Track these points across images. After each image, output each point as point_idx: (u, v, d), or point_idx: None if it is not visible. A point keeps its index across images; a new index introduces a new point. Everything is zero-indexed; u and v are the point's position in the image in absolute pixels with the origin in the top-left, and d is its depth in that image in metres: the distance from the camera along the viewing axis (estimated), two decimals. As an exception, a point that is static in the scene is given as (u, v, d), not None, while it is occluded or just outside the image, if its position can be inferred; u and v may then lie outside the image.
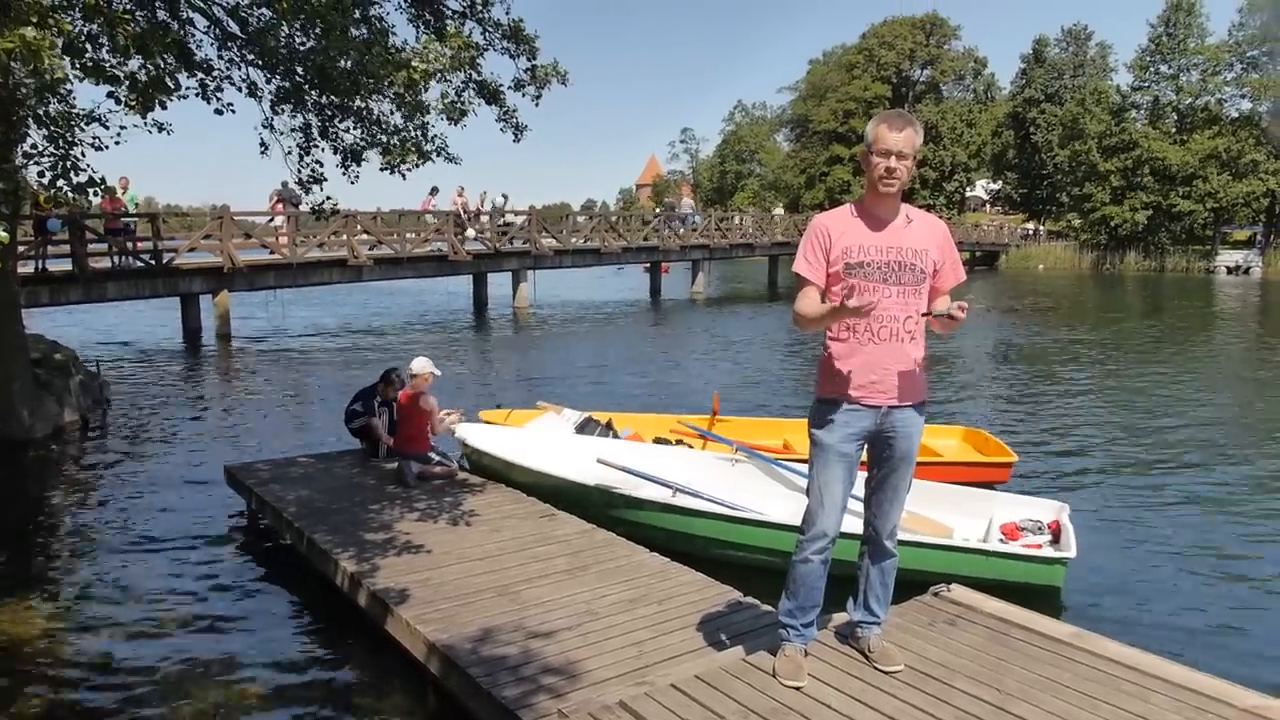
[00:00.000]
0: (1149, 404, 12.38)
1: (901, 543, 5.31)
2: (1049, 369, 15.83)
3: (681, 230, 31.32)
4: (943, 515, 6.49)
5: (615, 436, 8.45)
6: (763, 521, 5.99)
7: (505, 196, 25.47)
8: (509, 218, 25.65)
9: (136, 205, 19.10)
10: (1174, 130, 50.72)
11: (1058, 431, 10.67)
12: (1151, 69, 51.69)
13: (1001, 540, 6.01)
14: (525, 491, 6.80)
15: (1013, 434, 9.68)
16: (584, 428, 8.49)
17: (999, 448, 8.27)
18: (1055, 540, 5.95)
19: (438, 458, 7.33)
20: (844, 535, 3.57)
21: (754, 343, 19.10)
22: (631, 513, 6.34)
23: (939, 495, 6.64)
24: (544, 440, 8.06)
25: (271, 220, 20.73)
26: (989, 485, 7.66)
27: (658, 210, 37.34)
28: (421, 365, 7.29)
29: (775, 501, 6.75)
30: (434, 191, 24.55)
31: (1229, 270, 47.01)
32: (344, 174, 6.51)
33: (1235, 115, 49.95)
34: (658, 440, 8.56)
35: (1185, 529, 7.14)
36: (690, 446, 8.39)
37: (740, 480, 7.23)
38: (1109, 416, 11.55)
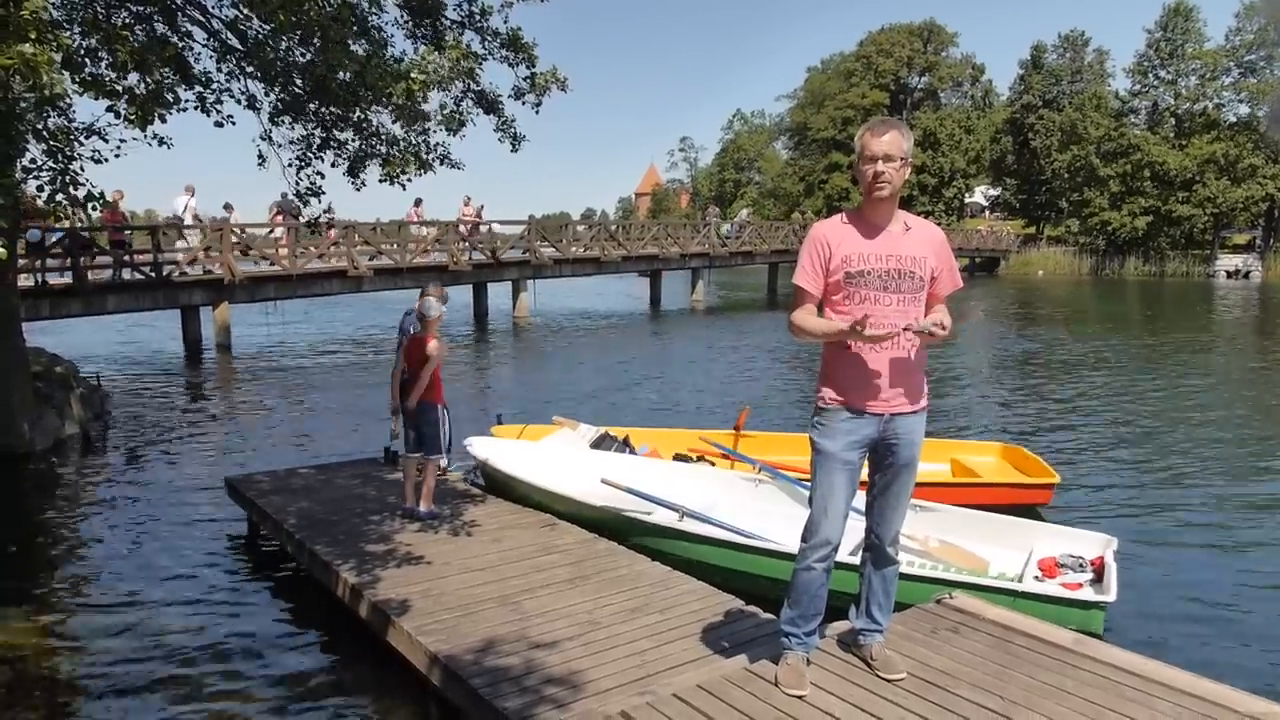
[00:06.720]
0: (1173, 411, 12.33)
1: (928, 579, 5.26)
2: (1059, 377, 15.83)
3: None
4: (979, 545, 6.17)
5: (632, 453, 8.15)
6: (777, 551, 5.57)
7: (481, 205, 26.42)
8: (502, 229, 26.19)
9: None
10: (1173, 135, 50.86)
11: (1085, 446, 10.32)
12: (1150, 74, 51.90)
13: (1038, 577, 5.61)
14: (540, 511, 6.57)
15: (1034, 445, 9.25)
16: (600, 444, 8.18)
17: (1039, 466, 7.83)
18: (1098, 579, 5.48)
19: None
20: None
21: (758, 353, 19.06)
22: (639, 537, 6.11)
23: (977, 523, 6.34)
24: (558, 457, 7.77)
25: (271, 232, 20.79)
26: (1030, 507, 7.37)
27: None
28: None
29: (799, 526, 6.44)
30: (418, 203, 24.62)
31: (1229, 275, 47.11)
32: (350, 183, 6.51)
33: (1233, 120, 50.15)
34: (678, 457, 8.21)
35: (1231, 550, 6.88)
36: (713, 464, 8.06)
37: (762, 502, 6.89)
38: (1131, 425, 11.46)
